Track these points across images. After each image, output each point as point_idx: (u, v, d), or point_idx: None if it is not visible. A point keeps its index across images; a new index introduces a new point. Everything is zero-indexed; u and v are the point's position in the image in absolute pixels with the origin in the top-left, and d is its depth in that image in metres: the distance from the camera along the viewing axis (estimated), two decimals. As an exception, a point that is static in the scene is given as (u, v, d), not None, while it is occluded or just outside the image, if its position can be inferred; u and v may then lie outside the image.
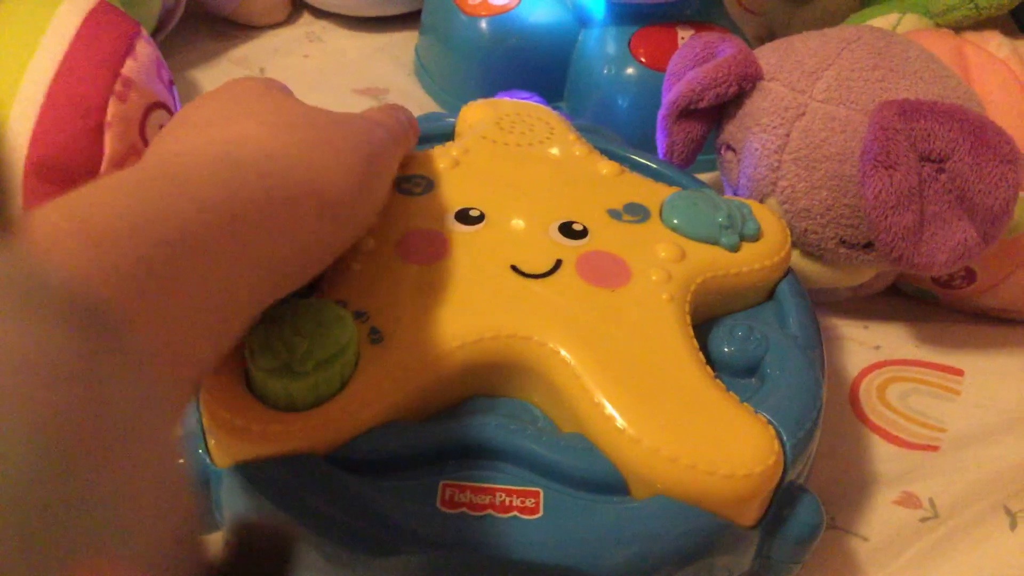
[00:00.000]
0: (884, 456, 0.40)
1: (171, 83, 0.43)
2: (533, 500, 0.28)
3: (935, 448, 0.40)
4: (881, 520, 0.37)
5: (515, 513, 0.28)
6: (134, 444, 0.15)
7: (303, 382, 0.27)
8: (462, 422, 0.30)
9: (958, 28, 0.47)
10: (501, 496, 0.28)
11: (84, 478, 0.13)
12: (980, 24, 0.47)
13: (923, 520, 0.37)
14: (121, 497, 0.14)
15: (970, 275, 0.44)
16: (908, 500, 0.38)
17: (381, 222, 0.35)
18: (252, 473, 0.28)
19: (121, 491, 0.14)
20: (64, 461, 0.12)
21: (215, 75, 0.61)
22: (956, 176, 0.37)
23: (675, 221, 0.36)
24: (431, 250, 0.34)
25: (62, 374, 0.13)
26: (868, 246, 0.41)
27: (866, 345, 0.45)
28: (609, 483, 0.29)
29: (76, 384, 0.14)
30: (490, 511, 0.28)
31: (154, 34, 0.58)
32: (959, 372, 0.44)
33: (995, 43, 0.45)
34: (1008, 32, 0.47)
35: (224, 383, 0.28)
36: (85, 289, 0.17)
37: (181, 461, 0.17)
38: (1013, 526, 0.37)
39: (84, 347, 0.14)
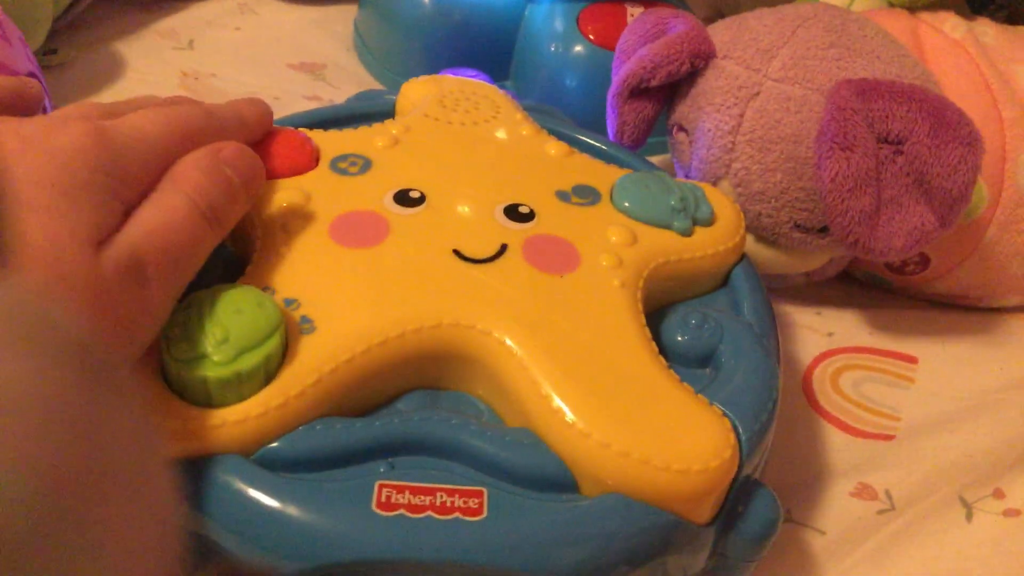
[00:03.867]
0: (839, 446, 0.39)
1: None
2: (476, 500, 0.26)
3: (890, 437, 0.39)
4: (837, 513, 0.36)
5: (457, 514, 0.26)
6: (129, 484, 0.14)
7: (220, 372, 0.25)
8: (400, 417, 0.28)
9: (912, 8, 0.46)
10: (442, 496, 0.26)
11: (79, 522, 0.13)
12: (934, 5, 0.46)
13: (880, 512, 0.36)
14: (115, 539, 0.14)
15: (924, 261, 0.43)
16: (864, 492, 0.37)
17: (313, 203, 0.33)
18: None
19: (115, 534, 0.14)
20: (59, 504, 0.12)
21: (141, 48, 0.58)
22: (914, 158, 0.36)
23: (626, 204, 0.35)
24: (368, 233, 0.32)
25: (60, 414, 0.13)
26: (823, 230, 0.40)
27: (819, 332, 0.44)
28: (557, 480, 0.27)
29: (74, 425, 0.13)
30: (430, 513, 0.26)
31: (74, 3, 0.55)
32: (913, 359, 0.43)
33: (950, 24, 0.45)
34: (962, 13, 0.46)
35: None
36: (83, 326, 0.16)
37: (176, 495, 0.17)
38: (969, 517, 0.36)
39: (83, 386, 0.14)
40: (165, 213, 0.26)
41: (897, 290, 0.46)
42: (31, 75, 0.40)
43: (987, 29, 0.45)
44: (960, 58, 0.43)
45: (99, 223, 0.24)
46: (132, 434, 0.15)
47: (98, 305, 0.23)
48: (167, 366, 0.26)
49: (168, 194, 0.27)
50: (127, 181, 0.26)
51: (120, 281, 0.24)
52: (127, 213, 0.26)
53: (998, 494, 0.37)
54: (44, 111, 0.33)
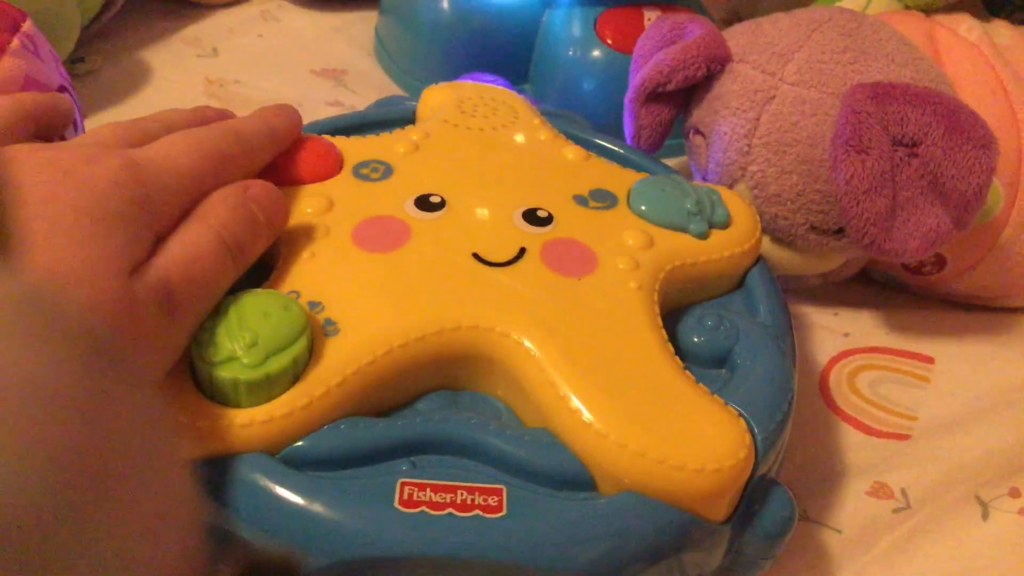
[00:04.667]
0: (855, 445, 0.39)
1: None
2: (496, 498, 0.27)
3: (906, 437, 0.40)
4: (853, 511, 0.36)
5: (477, 512, 0.26)
6: (141, 477, 0.14)
7: (250, 375, 0.26)
8: (422, 417, 0.29)
9: (928, 10, 0.47)
10: (463, 494, 0.27)
11: (88, 511, 0.13)
12: (950, 7, 0.47)
13: (895, 511, 0.36)
14: (126, 529, 0.14)
15: (940, 261, 0.43)
16: (880, 490, 0.37)
17: (336, 209, 0.33)
18: (198, 473, 0.26)
19: (126, 524, 0.14)
20: (68, 494, 0.12)
21: (166, 56, 0.59)
22: (929, 161, 0.36)
23: (643, 207, 0.35)
24: (389, 238, 0.32)
25: (68, 402, 0.13)
26: (839, 232, 0.40)
27: (836, 332, 0.44)
28: (575, 479, 0.27)
29: (83, 414, 0.13)
30: (451, 510, 0.26)
31: (101, 13, 0.56)
32: (930, 359, 0.43)
33: (965, 26, 0.45)
34: (978, 15, 0.46)
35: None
36: (92, 315, 0.16)
37: (192, 491, 0.17)
38: (985, 516, 0.36)
39: (91, 375, 0.14)
40: (194, 247, 0.27)
41: (914, 290, 0.46)
42: (62, 89, 0.41)
43: (1003, 31, 0.45)
44: (976, 60, 0.43)
45: (132, 253, 0.25)
46: (144, 425, 0.15)
47: (128, 330, 0.24)
48: (197, 368, 0.26)
49: (197, 228, 0.28)
50: (158, 214, 0.27)
51: (149, 309, 0.25)
52: (157, 243, 0.27)
53: (1014, 493, 0.37)
54: (75, 124, 0.33)
